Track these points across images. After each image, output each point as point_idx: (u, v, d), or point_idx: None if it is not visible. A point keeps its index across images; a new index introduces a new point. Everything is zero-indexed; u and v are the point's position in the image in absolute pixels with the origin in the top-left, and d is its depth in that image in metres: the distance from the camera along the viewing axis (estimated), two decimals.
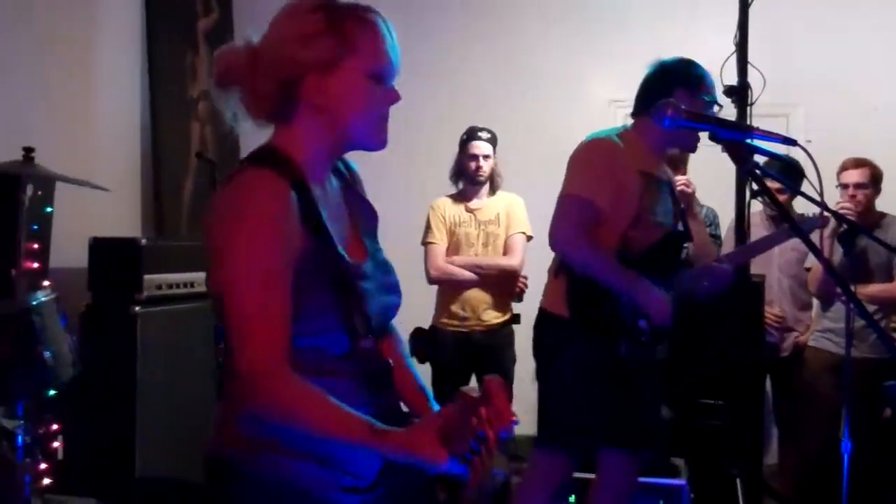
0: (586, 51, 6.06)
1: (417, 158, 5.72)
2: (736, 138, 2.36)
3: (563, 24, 6.10)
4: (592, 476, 3.46)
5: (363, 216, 1.90)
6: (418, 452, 1.60)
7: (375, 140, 1.78)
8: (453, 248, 4.77)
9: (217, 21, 6.02)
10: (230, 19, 6.17)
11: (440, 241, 4.75)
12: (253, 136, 5.57)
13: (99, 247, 4.41)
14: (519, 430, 1.74)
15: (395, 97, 1.77)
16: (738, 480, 4.11)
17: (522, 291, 4.73)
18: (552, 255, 3.35)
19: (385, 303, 1.82)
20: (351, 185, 1.90)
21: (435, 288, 4.81)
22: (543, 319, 3.31)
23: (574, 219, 3.14)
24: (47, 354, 3.00)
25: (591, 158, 3.22)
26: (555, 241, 3.18)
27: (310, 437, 1.64)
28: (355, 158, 1.92)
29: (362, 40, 1.72)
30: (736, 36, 3.99)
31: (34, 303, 3.05)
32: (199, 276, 4.61)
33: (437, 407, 1.89)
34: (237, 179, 1.69)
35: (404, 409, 1.90)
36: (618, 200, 3.15)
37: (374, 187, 2.02)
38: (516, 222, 4.76)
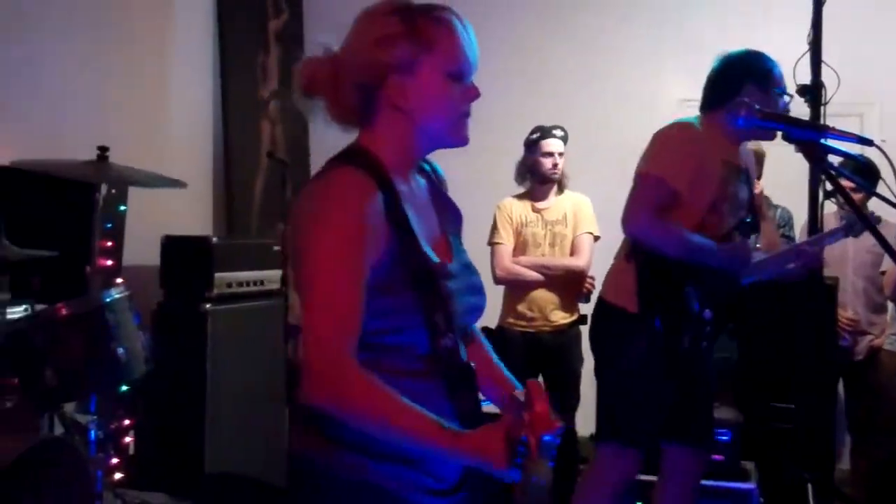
0: (657, 50, 5.98)
1: (485, 158, 5.69)
2: (810, 138, 2.31)
3: (634, 22, 6.03)
4: (655, 478, 3.42)
5: (449, 216, 1.90)
6: (483, 456, 1.59)
7: (457, 137, 1.80)
8: (520, 248, 4.74)
9: (287, 21, 6.06)
10: (300, 19, 6.20)
11: (507, 241, 4.73)
12: (324, 136, 5.57)
13: (171, 245, 4.46)
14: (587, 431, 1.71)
15: (474, 94, 1.78)
16: (809, 485, 4.03)
17: (590, 292, 4.67)
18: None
19: (469, 303, 1.82)
20: (436, 186, 1.92)
21: (501, 288, 4.78)
22: (606, 312, 3.24)
23: (649, 200, 3.06)
24: (120, 351, 3.03)
25: (674, 140, 3.15)
26: (627, 221, 3.09)
27: (388, 438, 1.63)
28: (435, 156, 1.92)
29: (439, 40, 1.74)
30: (809, 34, 3.91)
31: (108, 300, 3.09)
32: (269, 274, 4.65)
33: None
34: (324, 177, 1.71)
35: (492, 410, 1.87)
36: (697, 185, 3.07)
37: None
38: (583, 222, 4.72)
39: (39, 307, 3.30)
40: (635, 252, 3.15)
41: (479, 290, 1.86)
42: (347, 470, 1.68)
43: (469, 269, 1.85)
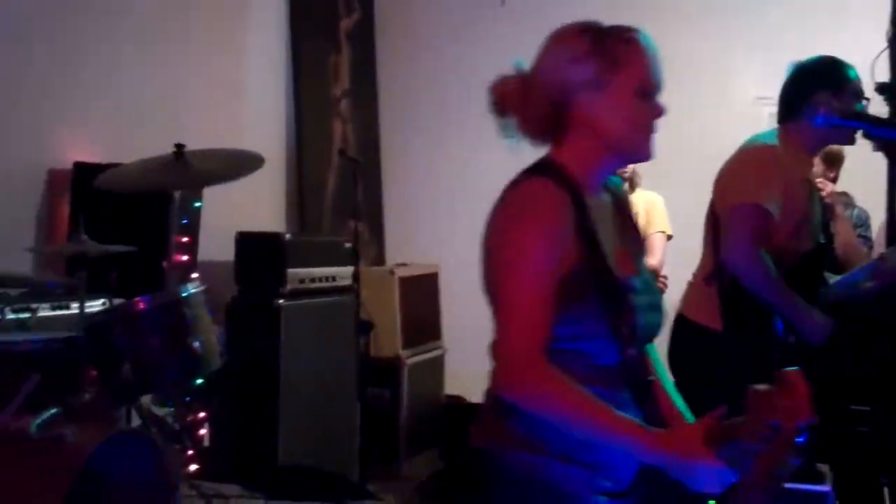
0: (732, 47, 5.89)
1: None
2: (890, 136, 2.26)
3: (709, 20, 5.95)
4: None
5: (631, 234, 1.96)
6: (682, 454, 1.63)
7: (643, 153, 1.87)
8: None
9: (358, 21, 6.10)
10: (371, 19, 6.24)
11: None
12: (394, 135, 5.62)
13: (245, 241, 4.51)
14: None
15: (660, 111, 1.85)
16: (885, 489, 3.94)
17: (662, 291, 4.63)
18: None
19: (650, 321, 1.88)
20: (620, 202, 1.97)
21: None
22: (687, 329, 3.13)
23: (750, 232, 2.94)
24: (196, 344, 3.07)
25: (758, 163, 3.04)
26: (727, 255, 2.97)
27: (573, 439, 1.68)
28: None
29: (628, 59, 1.82)
30: (888, 30, 3.81)
31: (184, 294, 3.13)
32: (340, 270, 4.69)
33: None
34: (520, 187, 1.80)
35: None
36: (786, 208, 2.96)
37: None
38: (656, 221, 4.67)
39: (117, 301, 3.34)
40: (718, 274, 3.05)
41: (659, 309, 1.92)
42: (526, 468, 1.74)
43: (650, 287, 1.92)
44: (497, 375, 1.69)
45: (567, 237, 1.75)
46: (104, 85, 4.41)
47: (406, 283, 5.19)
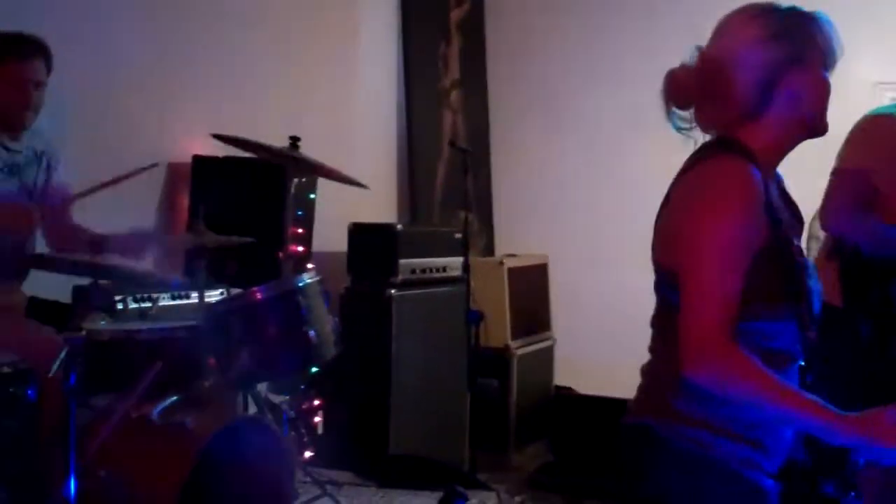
0: (851, 32, 5.69)
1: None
2: None
3: (827, 5, 5.76)
4: None
5: (793, 218, 1.93)
6: (871, 435, 1.63)
7: (824, 128, 1.86)
8: None
9: (469, 11, 6.07)
10: (482, 9, 6.20)
11: None
12: (504, 125, 5.57)
13: (357, 232, 4.55)
14: None
15: (830, 86, 1.85)
16: None
17: None
18: (813, 239, 3.14)
19: (818, 304, 1.88)
20: (781, 186, 1.94)
21: None
22: None
23: (848, 195, 2.89)
24: (312, 334, 3.07)
25: (873, 134, 2.95)
26: (827, 219, 2.94)
27: (740, 417, 1.70)
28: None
29: (815, 35, 1.82)
30: None
31: (300, 284, 3.14)
32: (451, 260, 4.69)
33: None
34: (712, 165, 1.77)
35: None
36: None
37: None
38: None
39: (235, 291, 3.39)
40: (838, 250, 2.97)
41: (819, 294, 1.91)
42: (690, 443, 1.74)
43: (814, 270, 1.89)
44: (685, 355, 1.67)
45: (760, 218, 1.74)
46: (221, 81, 4.49)
47: (515, 273, 5.17)
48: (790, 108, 1.81)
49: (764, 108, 1.81)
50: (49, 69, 3.13)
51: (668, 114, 1.84)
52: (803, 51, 1.81)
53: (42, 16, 3.48)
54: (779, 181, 1.94)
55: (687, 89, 1.84)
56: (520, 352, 5.00)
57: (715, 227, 1.71)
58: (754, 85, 1.80)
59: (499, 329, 4.97)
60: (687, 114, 1.85)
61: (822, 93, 1.84)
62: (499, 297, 5.02)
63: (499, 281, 5.05)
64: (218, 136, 3.52)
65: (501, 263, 5.12)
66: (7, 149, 3.13)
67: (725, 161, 1.77)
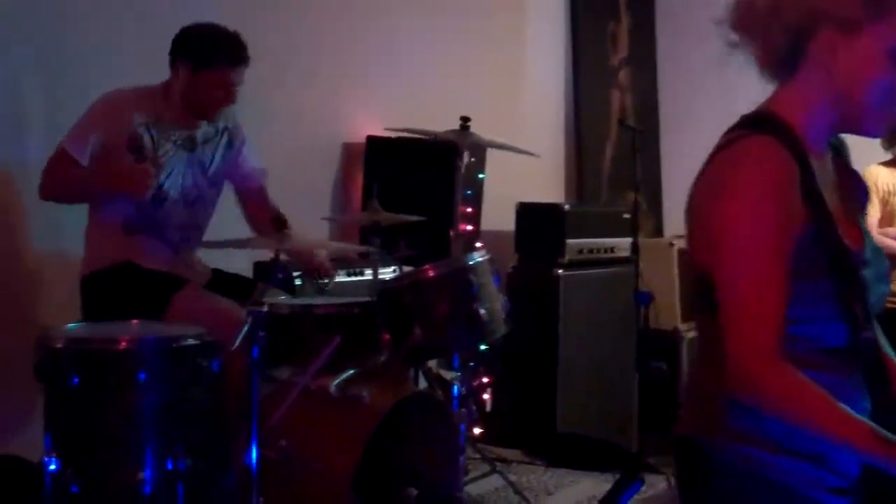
0: None
1: None
2: None
3: None
4: None
5: (854, 193, 1.68)
6: None
7: (875, 127, 1.57)
8: (886, 219, 4.35)
9: None
10: None
11: (872, 213, 4.34)
12: (675, 103, 5.40)
13: (525, 211, 4.52)
14: None
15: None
16: None
17: None
18: None
19: (880, 292, 1.61)
20: (843, 160, 1.69)
21: None
22: None
23: None
24: (482, 311, 3.07)
25: None
26: None
27: (797, 433, 1.50)
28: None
29: (892, 12, 1.49)
30: None
31: (470, 262, 3.15)
32: (619, 241, 4.63)
33: None
34: (737, 147, 1.53)
35: None
36: None
37: None
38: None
39: (407, 269, 3.41)
40: None
41: (886, 278, 1.64)
42: (743, 461, 1.55)
43: (879, 254, 1.63)
44: (731, 374, 1.47)
45: (796, 208, 1.48)
46: (393, 63, 4.53)
47: (685, 254, 5.01)
48: (819, 76, 1.52)
49: (794, 66, 1.54)
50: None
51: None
52: (864, 19, 1.48)
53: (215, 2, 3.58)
54: (840, 154, 1.67)
55: (740, 20, 1.58)
56: (689, 335, 4.87)
57: (744, 228, 1.46)
58: (784, 30, 1.52)
59: (668, 311, 4.86)
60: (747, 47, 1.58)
61: (870, 78, 1.50)
62: (668, 279, 4.90)
63: (668, 262, 4.93)
64: (389, 128, 3.57)
65: (671, 245, 4.99)
66: (178, 124, 3.18)
67: (752, 143, 1.51)
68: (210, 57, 3.08)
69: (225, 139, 3.31)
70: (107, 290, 3.09)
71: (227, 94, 3.14)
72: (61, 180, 3.06)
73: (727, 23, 1.59)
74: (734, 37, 1.59)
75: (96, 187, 3.08)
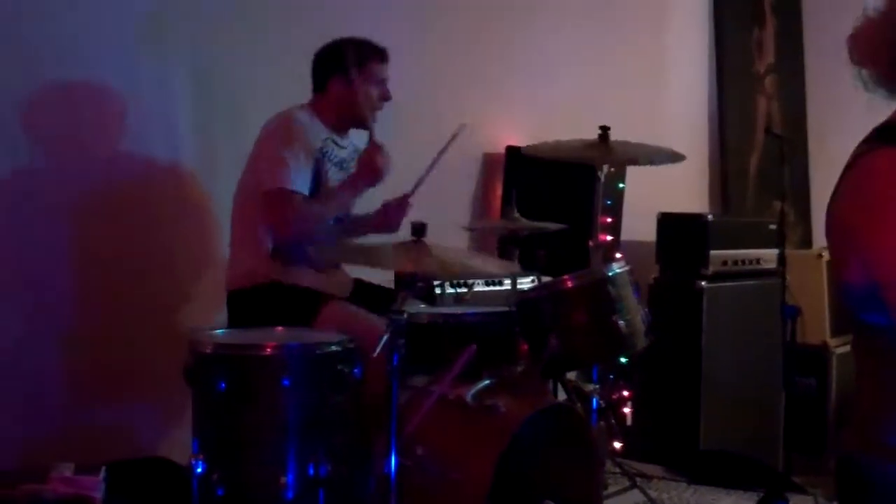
0: None
1: None
2: None
3: None
4: None
5: None
6: None
7: None
8: None
9: None
10: None
11: None
12: (823, 111, 5.20)
13: (667, 221, 4.43)
14: None
15: None
16: None
17: None
18: None
19: None
20: None
21: None
22: None
23: None
24: (622, 323, 3.03)
25: None
26: None
27: None
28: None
29: None
30: None
31: (610, 274, 3.10)
32: (765, 253, 4.49)
33: None
34: (867, 162, 1.53)
35: None
36: None
37: None
38: None
39: (545, 279, 3.39)
40: None
41: None
42: None
43: None
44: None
45: None
46: (531, 73, 4.54)
47: None
48: None
49: None
50: None
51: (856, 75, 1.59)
52: None
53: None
54: None
55: (855, 48, 1.61)
56: (839, 350, 4.68)
57: (886, 239, 1.43)
58: (890, 49, 1.54)
59: (816, 325, 4.68)
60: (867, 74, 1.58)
61: None
62: (817, 292, 4.72)
63: (817, 275, 4.76)
64: (529, 148, 3.63)
65: (820, 256, 4.81)
66: (338, 145, 3.30)
67: (879, 159, 1.50)
68: (361, 60, 3.19)
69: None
70: (254, 305, 3.18)
71: (382, 92, 3.25)
72: (311, 220, 3.14)
73: (850, 42, 1.61)
74: (856, 55, 1.60)
75: (340, 201, 3.21)
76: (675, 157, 3.63)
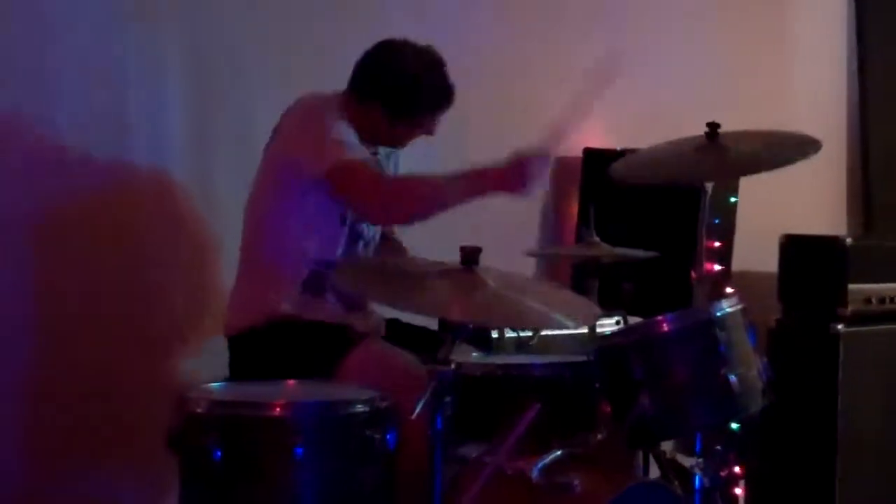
0: None
1: None
2: None
3: None
4: None
5: None
6: None
7: None
8: None
9: None
10: None
11: None
12: None
13: (792, 246, 4.44)
14: None
15: None
16: None
17: None
18: None
19: None
20: None
21: None
22: None
23: None
24: (732, 378, 2.96)
25: None
26: None
27: None
28: None
29: None
30: None
31: (718, 314, 3.05)
32: None
33: None
34: None
35: None
36: None
37: None
38: None
39: (634, 320, 3.39)
40: None
41: None
42: None
43: None
44: None
45: None
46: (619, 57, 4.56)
47: None
48: None
49: None
50: None
51: None
52: None
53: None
54: None
55: None
56: None
57: None
58: None
59: None
60: None
61: None
62: None
63: None
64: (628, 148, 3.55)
65: None
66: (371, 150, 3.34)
67: None
68: (412, 110, 3.27)
69: (392, 162, 3.44)
70: (266, 348, 3.20)
71: (429, 132, 3.34)
72: (416, 190, 3.20)
73: None
74: None
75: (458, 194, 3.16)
76: (805, 149, 3.53)
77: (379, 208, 3.16)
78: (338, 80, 3.33)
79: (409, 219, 3.23)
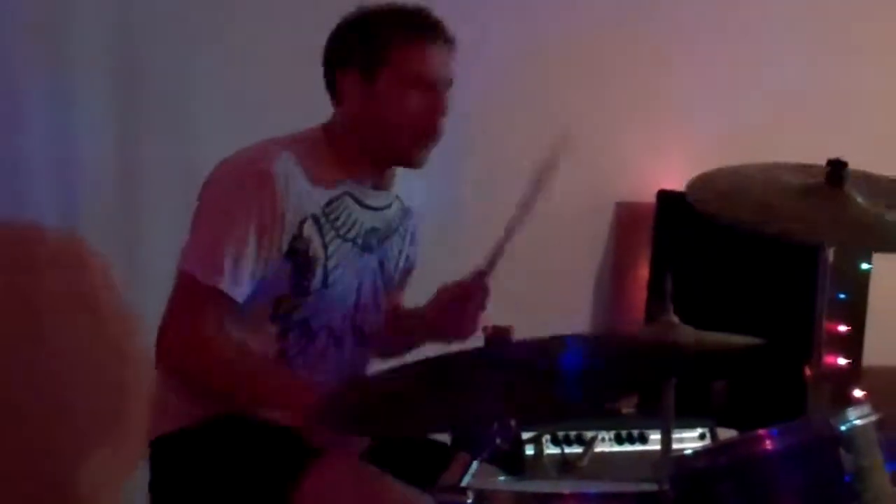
0: None
1: None
2: None
3: None
4: None
5: None
6: None
7: None
8: None
9: None
10: None
11: None
12: None
13: None
14: None
15: None
16: None
17: None
18: None
19: None
20: None
21: None
22: None
23: None
24: None
25: None
26: None
27: None
28: None
29: None
30: None
31: (843, 427, 3.04)
32: None
33: None
34: None
35: None
36: None
37: None
38: None
39: (724, 433, 3.43)
40: None
41: None
42: None
43: None
44: None
45: None
46: (696, 87, 4.60)
47: None
48: None
49: None
50: None
51: None
52: None
53: None
54: None
55: None
56: None
57: None
58: None
59: None
60: None
61: None
62: None
63: None
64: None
65: None
66: (366, 206, 3.32)
67: None
68: (381, 45, 3.24)
69: (409, 226, 3.46)
70: (196, 457, 3.21)
71: (433, 101, 3.25)
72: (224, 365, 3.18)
73: None
74: None
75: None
76: None
77: (164, 351, 3.16)
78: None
79: (193, 384, 3.21)
